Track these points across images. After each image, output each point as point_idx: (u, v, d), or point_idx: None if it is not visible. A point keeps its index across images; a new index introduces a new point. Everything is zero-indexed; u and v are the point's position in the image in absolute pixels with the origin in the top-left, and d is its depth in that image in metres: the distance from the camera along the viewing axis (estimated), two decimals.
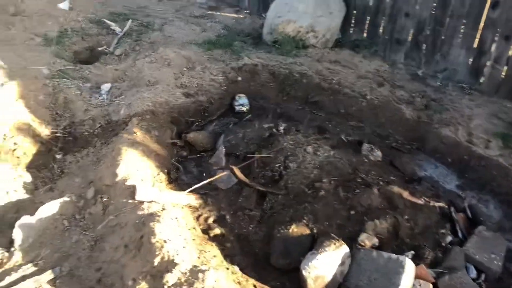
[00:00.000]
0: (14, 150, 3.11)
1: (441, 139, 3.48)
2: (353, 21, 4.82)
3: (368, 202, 2.65)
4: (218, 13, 5.65)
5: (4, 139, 3.15)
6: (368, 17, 4.67)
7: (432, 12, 4.20)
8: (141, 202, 2.63)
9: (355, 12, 4.76)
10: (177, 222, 2.52)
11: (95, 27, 4.83)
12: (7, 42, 4.22)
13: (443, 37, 4.18)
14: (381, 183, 2.84)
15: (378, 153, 3.20)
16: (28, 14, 4.65)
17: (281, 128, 3.30)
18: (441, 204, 2.79)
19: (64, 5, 4.96)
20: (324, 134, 3.44)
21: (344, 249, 2.34)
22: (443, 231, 2.61)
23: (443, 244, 2.54)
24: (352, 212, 2.62)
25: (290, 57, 4.48)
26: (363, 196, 2.69)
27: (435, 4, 4.18)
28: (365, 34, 4.76)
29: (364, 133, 3.66)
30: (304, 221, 2.57)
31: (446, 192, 3.00)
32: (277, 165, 2.95)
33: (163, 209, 2.58)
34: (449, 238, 2.58)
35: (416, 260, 2.41)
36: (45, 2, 4.87)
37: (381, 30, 4.61)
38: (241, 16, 5.58)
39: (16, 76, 3.70)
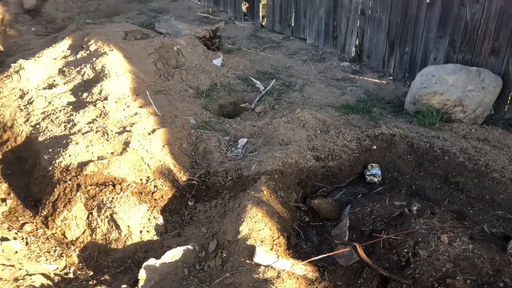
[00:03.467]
0: (154, 192, 3.38)
1: None
2: (509, 97, 4.38)
3: None
4: (361, 77, 5.63)
5: (147, 181, 3.46)
6: None
7: None
8: (258, 265, 2.62)
9: None
10: None
11: (241, 84, 5.16)
12: (165, 91, 4.72)
13: None
14: None
15: None
16: (186, 67, 5.17)
17: (414, 208, 3.06)
18: None
19: (217, 62, 5.42)
20: (463, 221, 3.10)
21: None
22: None
23: None
24: None
25: (432, 130, 4.21)
26: None
27: None
28: None
29: None
30: None
31: None
32: (405, 250, 2.71)
33: (278, 276, 2.53)
34: None
35: None
36: (202, 58, 5.38)
37: None
38: (384, 82, 5.47)
39: (167, 124, 4.09)
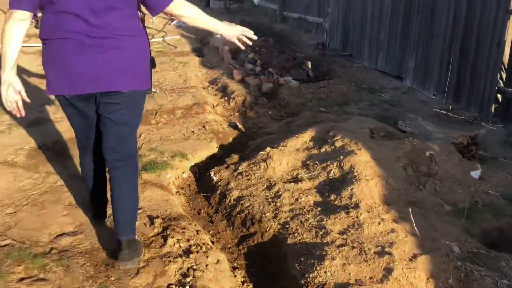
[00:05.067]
0: None
1: None
2: None
3: None
4: None
5: None
6: None
7: None
8: None
9: None
10: None
11: (509, 206, 4.26)
12: (417, 204, 4.15)
13: None
14: None
15: None
16: (439, 177, 4.53)
17: None
18: None
19: (475, 174, 4.66)
20: None
21: None
22: None
23: None
24: None
25: None
26: None
27: None
28: None
29: None
30: None
31: None
32: None
33: None
34: None
35: None
36: (457, 167, 4.69)
37: None
38: None
39: (427, 249, 3.47)
